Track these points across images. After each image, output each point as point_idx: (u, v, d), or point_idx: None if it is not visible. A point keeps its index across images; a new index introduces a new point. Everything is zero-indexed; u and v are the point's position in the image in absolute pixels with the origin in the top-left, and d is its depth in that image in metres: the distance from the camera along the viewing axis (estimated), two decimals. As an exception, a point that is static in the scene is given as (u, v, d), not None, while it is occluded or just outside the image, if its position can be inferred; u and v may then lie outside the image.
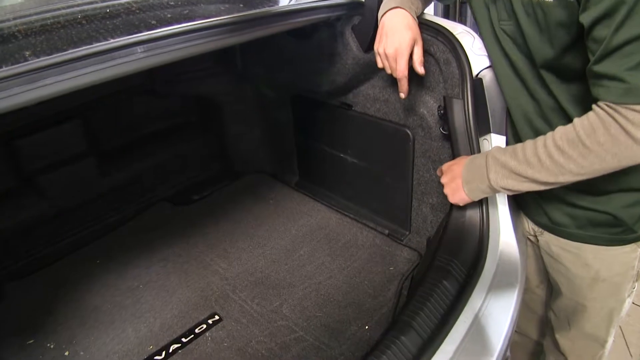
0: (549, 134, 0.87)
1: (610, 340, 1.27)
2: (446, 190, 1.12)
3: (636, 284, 1.17)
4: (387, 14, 1.14)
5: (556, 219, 1.11)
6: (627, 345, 2.04)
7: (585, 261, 1.10)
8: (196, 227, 1.82)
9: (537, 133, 1.00)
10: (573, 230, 1.09)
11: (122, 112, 1.91)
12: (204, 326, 1.37)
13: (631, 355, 2.02)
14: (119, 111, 1.90)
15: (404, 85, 1.17)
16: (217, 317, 1.40)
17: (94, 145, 1.83)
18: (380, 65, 1.18)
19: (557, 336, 1.33)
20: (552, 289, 1.32)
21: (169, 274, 1.60)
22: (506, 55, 1.01)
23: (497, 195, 1.24)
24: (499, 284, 1.10)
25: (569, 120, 0.88)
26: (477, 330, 0.99)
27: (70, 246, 1.76)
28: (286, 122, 1.98)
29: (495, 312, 1.03)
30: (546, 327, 1.42)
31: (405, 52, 1.11)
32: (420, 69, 1.15)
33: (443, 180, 1.13)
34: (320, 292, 1.47)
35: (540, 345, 1.51)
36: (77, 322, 1.44)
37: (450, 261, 1.13)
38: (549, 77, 0.93)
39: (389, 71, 1.17)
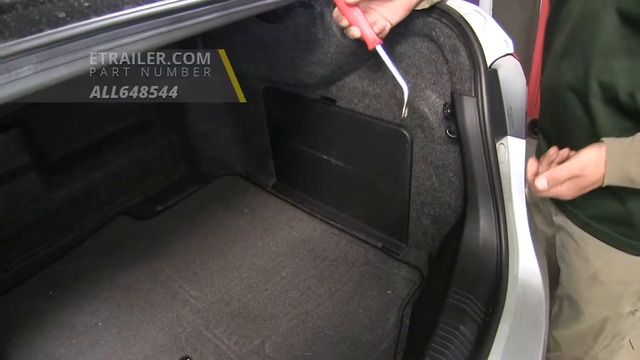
0: None
1: (600, 354, 1.17)
2: (568, 193, 0.85)
3: None
4: None
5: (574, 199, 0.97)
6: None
7: (587, 256, 1.02)
8: (161, 246, 1.58)
9: None
10: (582, 217, 0.99)
11: (69, 115, 1.63)
12: (174, 376, 1.16)
13: (633, 347, 1.94)
14: (65, 114, 1.61)
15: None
16: (188, 364, 1.18)
17: (37, 157, 1.55)
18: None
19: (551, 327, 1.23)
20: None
21: (131, 306, 1.37)
22: None
23: (515, 208, 1.05)
24: (523, 325, 0.94)
25: None
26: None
27: (16, 277, 1.51)
28: (259, 117, 1.73)
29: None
30: None
31: None
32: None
33: (569, 190, 0.84)
34: (308, 325, 1.25)
35: None
36: (24, 374, 1.21)
37: (466, 298, 0.96)
38: None
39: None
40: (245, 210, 1.72)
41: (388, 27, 0.92)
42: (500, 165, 1.03)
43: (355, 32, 0.89)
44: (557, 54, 0.91)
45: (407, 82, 0.96)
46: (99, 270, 1.50)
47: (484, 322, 0.92)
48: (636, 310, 1.06)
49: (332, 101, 1.40)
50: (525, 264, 1.03)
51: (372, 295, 1.32)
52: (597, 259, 1.00)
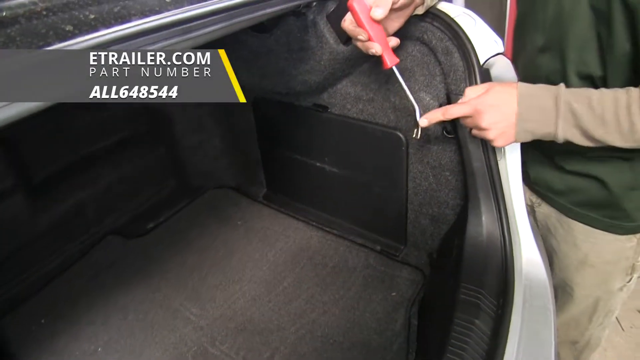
0: (633, 92, 0.74)
1: (595, 332, 1.19)
2: (491, 134, 0.85)
3: (633, 280, 1.09)
4: None
5: (556, 187, 1.03)
6: (617, 319, 2.00)
7: (575, 241, 1.04)
8: (156, 264, 1.54)
9: None
10: (567, 204, 1.02)
11: (53, 132, 1.58)
12: (183, 396, 1.13)
13: (623, 329, 1.99)
14: (49, 131, 1.56)
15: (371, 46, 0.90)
16: (197, 382, 1.16)
17: (22, 178, 1.50)
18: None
19: None
20: None
21: (131, 328, 1.33)
22: None
23: (513, 202, 1.07)
24: (533, 314, 0.96)
25: None
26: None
27: (6, 305, 1.45)
28: (249, 128, 1.72)
29: (536, 351, 0.88)
30: None
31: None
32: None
33: (484, 119, 0.83)
34: (316, 334, 1.24)
35: None
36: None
37: (478, 293, 0.96)
38: None
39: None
40: (238, 222, 1.71)
41: (398, 43, 0.94)
42: (498, 162, 1.05)
43: (377, 49, 0.88)
44: (534, 50, 0.94)
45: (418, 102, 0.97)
46: (92, 294, 1.45)
47: (496, 315, 0.93)
48: (624, 285, 1.09)
49: (325, 108, 1.40)
50: (528, 256, 1.05)
51: (377, 299, 1.32)
52: (585, 243, 1.02)
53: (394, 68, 0.92)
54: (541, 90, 0.81)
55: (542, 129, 0.81)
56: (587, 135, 0.78)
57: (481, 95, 0.85)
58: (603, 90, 0.77)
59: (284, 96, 1.47)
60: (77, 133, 1.63)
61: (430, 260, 1.38)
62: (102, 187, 1.70)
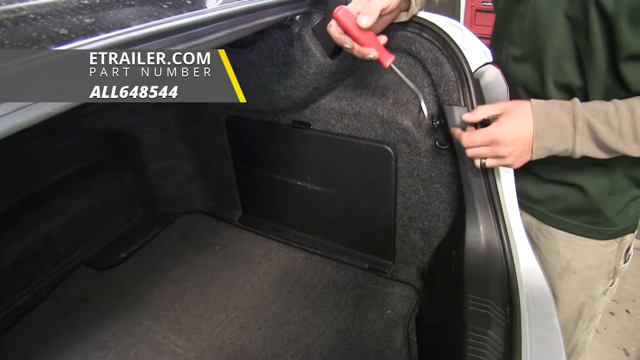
0: None
1: (580, 338, 1.19)
2: (509, 160, 0.85)
3: (615, 284, 1.10)
4: None
5: (535, 196, 1.03)
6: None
7: (557, 249, 1.04)
8: (133, 296, 1.44)
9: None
10: (547, 212, 1.02)
11: (15, 162, 1.47)
12: None
13: (597, 331, 2.01)
14: (10, 161, 1.45)
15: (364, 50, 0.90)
16: (190, 420, 1.07)
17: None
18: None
19: None
20: None
21: (111, 367, 1.22)
22: None
23: (508, 210, 1.07)
24: (539, 322, 0.94)
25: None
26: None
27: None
28: (222, 148, 1.66)
29: (549, 357, 0.86)
30: None
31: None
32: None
33: (503, 149, 0.83)
34: (314, 358, 1.19)
35: None
36: None
37: (485, 303, 0.94)
38: None
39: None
40: (217, 247, 1.63)
41: (386, 39, 0.92)
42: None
43: (374, 53, 0.88)
44: (510, 60, 0.95)
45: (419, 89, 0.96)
46: (67, 331, 1.33)
47: (506, 324, 0.92)
48: (607, 289, 1.10)
49: (307, 125, 1.37)
50: (526, 264, 1.05)
51: (373, 317, 1.28)
52: (567, 250, 1.03)
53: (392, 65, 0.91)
54: (555, 107, 0.80)
55: (559, 146, 0.81)
56: (604, 148, 0.78)
57: (497, 123, 0.83)
58: (616, 101, 0.77)
59: (264, 114, 1.43)
60: (39, 163, 1.53)
61: (422, 275, 1.36)
62: (70, 217, 1.60)
